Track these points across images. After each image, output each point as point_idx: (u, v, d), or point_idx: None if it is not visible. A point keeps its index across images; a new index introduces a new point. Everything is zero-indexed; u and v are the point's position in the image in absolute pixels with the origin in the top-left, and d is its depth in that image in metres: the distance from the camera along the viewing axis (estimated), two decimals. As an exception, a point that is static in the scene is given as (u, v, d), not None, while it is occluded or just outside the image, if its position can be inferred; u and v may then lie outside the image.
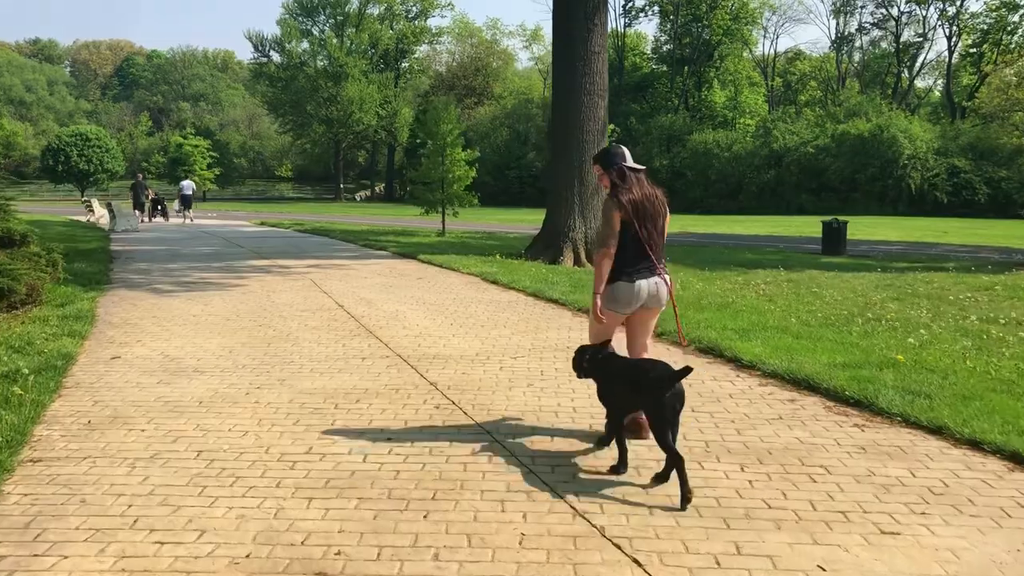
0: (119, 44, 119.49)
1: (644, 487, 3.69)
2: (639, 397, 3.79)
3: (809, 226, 30.53)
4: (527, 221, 32.60)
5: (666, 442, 3.57)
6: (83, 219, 29.73)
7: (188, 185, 33.00)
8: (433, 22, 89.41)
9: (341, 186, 71.66)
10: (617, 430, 3.98)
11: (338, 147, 70.64)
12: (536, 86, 75.50)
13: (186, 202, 31.55)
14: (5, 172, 77.12)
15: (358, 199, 73.04)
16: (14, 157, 78.42)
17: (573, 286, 10.24)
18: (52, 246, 9.50)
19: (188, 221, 29.77)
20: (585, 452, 4.16)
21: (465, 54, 76.30)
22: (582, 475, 3.85)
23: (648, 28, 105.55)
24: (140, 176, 33.16)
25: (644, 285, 4.19)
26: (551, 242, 14.02)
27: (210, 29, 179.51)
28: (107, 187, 63.44)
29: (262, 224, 28.40)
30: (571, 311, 8.75)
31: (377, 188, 77.64)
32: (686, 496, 3.46)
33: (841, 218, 20.23)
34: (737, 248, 20.00)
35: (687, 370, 3.64)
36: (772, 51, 73.47)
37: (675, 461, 3.54)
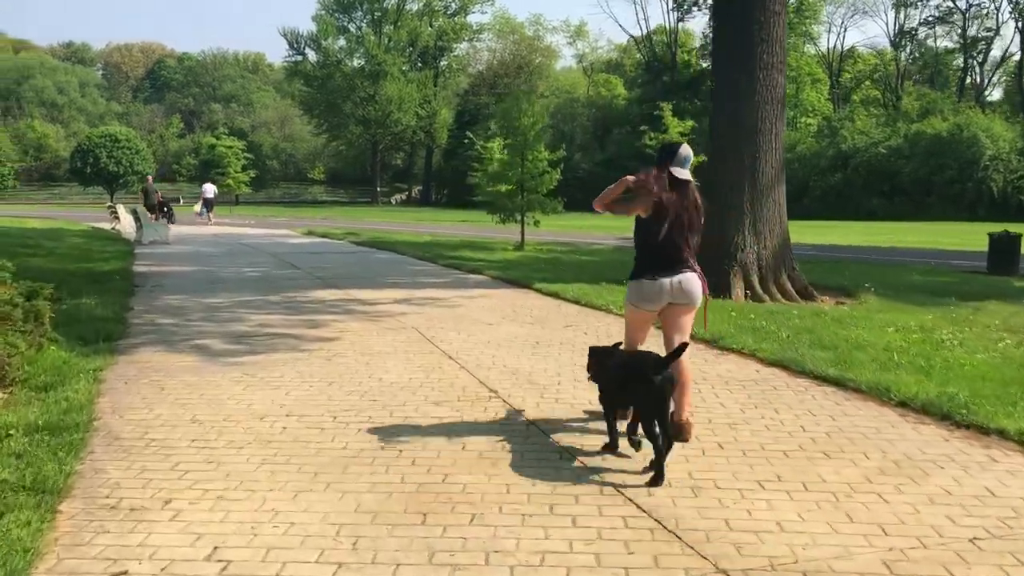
0: (151, 47, 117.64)
1: None
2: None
3: (907, 233, 26.58)
4: (598, 228, 29.33)
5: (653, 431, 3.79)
6: (107, 226, 26.77)
7: (210, 188, 33.89)
8: (473, 18, 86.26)
9: (378, 189, 68.71)
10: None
11: (375, 149, 67.68)
12: (580, 84, 72.01)
13: (208, 205, 32.22)
14: (36, 174, 75.39)
15: (394, 202, 70.28)
16: (45, 159, 76.76)
17: (823, 346, 6.66)
18: (38, 287, 6.18)
19: (210, 224, 29.66)
20: None
21: (506, 51, 72.82)
22: None
23: (696, 25, 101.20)
24: (150, 179, 31.88)
25: (667, 283, 4.29)
26: (712, 266, 10.51)
27: (241, 32, 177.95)
28: (136, 190, 61.04)
29: (310, 234, 25.02)
30: (894, 409, 5.08)
31: (413, 191, 74.69)
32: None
33: (1012, 230, 16.59)
34: (881, 265, 16.06)
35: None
36: (840, 46, 69.04)
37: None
